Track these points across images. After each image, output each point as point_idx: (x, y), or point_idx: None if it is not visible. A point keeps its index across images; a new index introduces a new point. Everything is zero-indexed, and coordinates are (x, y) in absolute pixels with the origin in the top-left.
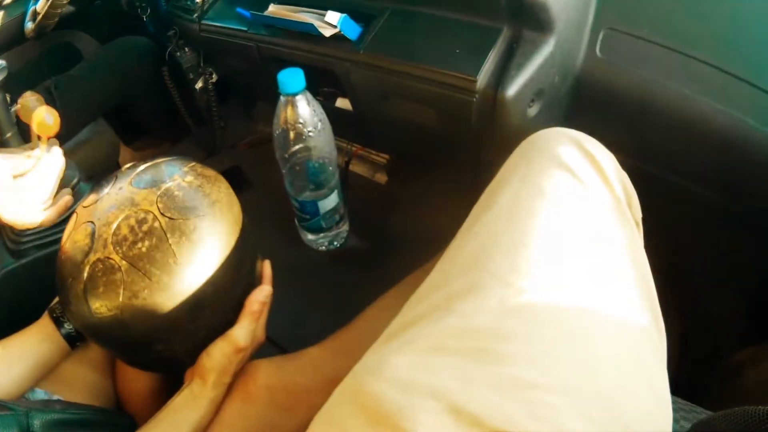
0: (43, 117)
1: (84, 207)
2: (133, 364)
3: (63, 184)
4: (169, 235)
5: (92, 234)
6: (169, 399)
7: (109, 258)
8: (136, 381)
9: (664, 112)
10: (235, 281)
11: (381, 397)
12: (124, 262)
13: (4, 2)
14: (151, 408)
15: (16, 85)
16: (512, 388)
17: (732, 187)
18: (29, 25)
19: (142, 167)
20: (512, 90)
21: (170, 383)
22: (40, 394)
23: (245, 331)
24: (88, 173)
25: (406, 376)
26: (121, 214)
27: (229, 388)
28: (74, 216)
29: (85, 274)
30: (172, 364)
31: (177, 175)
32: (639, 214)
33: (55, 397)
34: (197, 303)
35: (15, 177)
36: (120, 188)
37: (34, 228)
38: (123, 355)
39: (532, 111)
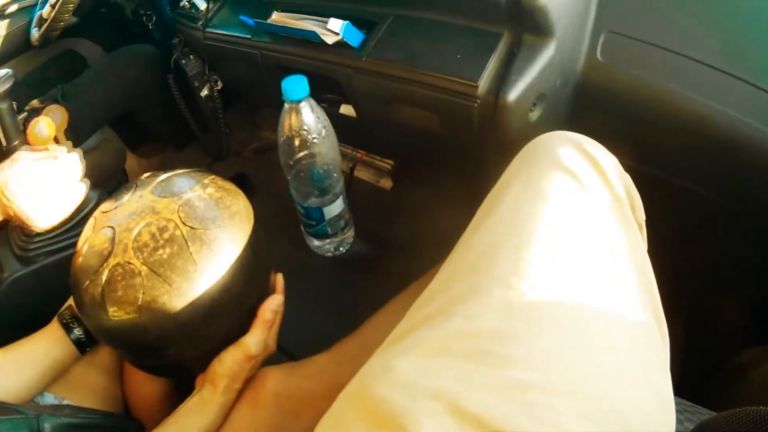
0: (35, 128)
1: (102, 212)
2: (144, 369)
3: None
4: (190, 244)
5: (112, 239)
6: (177, 405)
7: (129, 263)
8: (145, 386)
9: (666, 114)
10: (250, 291)
11: (385, 399)
12: (144, 267)
13: (8, 10)
14: (160, 413)
15: (22, 93)
16: (514, 390)
17: (735, 189)
18: (35, 33)
19: (162, 177)
20: (513, 94)
21: (179, 389)
22: (49, 398)
23: (257, 339)
24: (95, 180)
25: (410, 379)
26: (142, 221)
27: (239, 394)
28: (92, 220)
29: (104, 277)
30: (184, 369)
31: (198, 187)
32: (642, 217)
33: (65, 401)
34: (213, 310)
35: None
36: (140, 196)
37: (48, 232)
38: (136, 358)
39: (534, 115)
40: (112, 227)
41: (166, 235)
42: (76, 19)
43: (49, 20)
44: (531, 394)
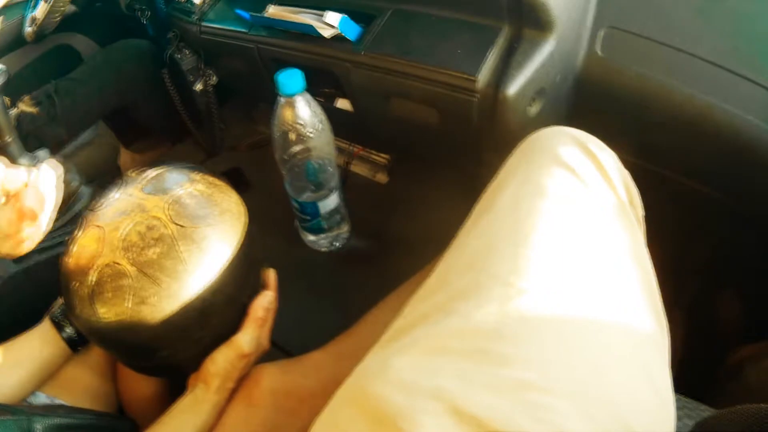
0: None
1: (91, 211)
2: (137, 369)
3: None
4: (179, 243)
5: (100, 239)
6: (171, 404)
7: (117, 263)
8: (139, 385)
9: (666, 110)
10: (242, 290)
11: (382, 399)
12: (133, 268)
13: (1, 4)
14: (153, 412)
15: (16, 89)
16: (513, 389)
17: (734, 185)
18: (28, 29)
19: (152, 174)
20: (513, 89)
21: (173, 388)
22: (41, 397)
23: (249, 337)
24: (89, 176)
25: (408, 378)
26: (131, 220)
27: (233, 392)
28: (81, 219)
29: (93, 278)
30: (176, 369)
31: (187, 183)
32: (641, 212)
33: (57, 401)
34: (204, 310)
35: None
36: (129, 194)
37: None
38: (127, 359)
39: (533, 110)
40: (100, 226)
41: (154, 234)
42: (74, 8)
43: (42, 19)
44: (531, 394)
